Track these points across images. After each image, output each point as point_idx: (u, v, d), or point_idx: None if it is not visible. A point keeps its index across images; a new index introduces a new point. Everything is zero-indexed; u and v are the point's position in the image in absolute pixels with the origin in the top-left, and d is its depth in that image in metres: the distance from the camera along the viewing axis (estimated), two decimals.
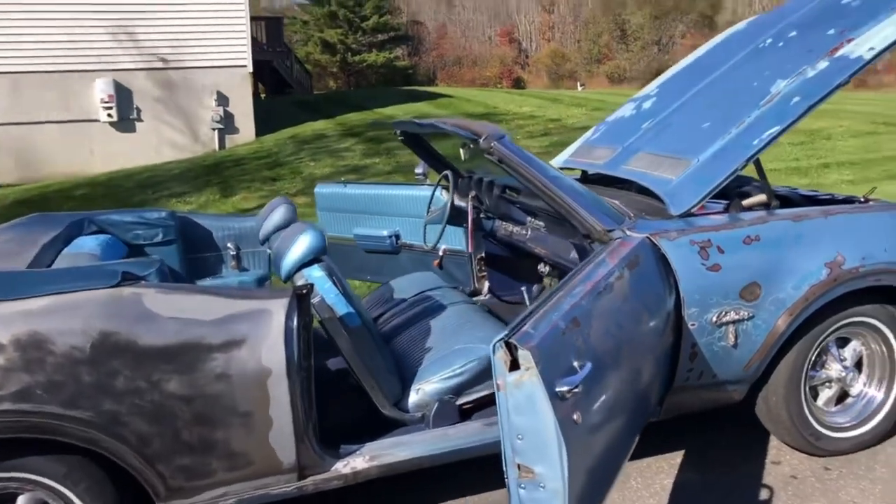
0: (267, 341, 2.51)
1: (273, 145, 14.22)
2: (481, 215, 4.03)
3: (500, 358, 1.94)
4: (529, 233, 3.65)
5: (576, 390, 1.95)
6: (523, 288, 4.07)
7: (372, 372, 2.87)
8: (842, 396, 3.25)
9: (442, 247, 4.35)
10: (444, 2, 59.53)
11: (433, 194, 4.16)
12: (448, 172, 3.93)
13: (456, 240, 4.39)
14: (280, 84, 25.55)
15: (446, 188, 4.22)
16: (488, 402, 3.00)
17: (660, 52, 40.80)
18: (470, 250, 3.86)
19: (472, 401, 2.99)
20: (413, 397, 2.94)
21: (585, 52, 45.58)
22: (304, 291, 2.60)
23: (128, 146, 14.18)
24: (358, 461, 2.72)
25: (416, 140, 4.17)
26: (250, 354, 2.49)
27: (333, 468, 2.69)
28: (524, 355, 1.88)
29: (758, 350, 2.89)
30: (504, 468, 2.00)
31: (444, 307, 3.46)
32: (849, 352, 3.18)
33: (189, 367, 2.44)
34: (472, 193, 3.93)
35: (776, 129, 2.98)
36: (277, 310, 2.53)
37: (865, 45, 3.07)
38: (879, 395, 3.19)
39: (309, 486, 2.68)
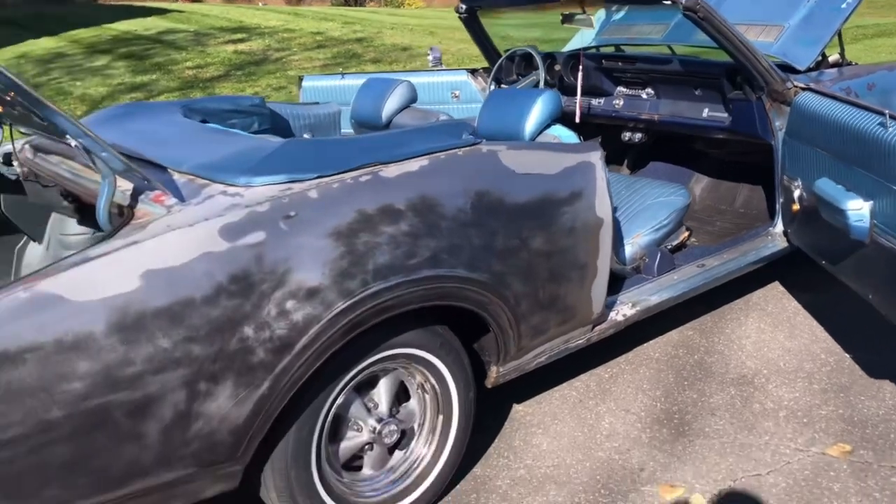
0: (597, 192, 2.54)
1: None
2: None
3: None
4: (622, 102, 3.89)
5: None
6: None
7: None
8: None
9: None
10: None
11: (493, 78, 4.16)
12: (529, 49, 3.99)
13: None
14: None
15: (486, 73, 4.27)
16: (678, 249, 3.32)
17: None
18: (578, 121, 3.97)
19: (673, 247, 3.27)
20: (628, 250, 3.12)
21: None
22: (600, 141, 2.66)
23: None
24: (625, 309, 2.87)
25: (477, 23, 4.13)
26: (587, 206, 2.51)
27: (609, 317, 2.82)
28: None
29: None
30: None
31: None
32: None
33: (548, 222, 2.41)
34: (557, 68, 4.04)
35: None
36: (597, 161, 2.57)
37: None
38: None
39: (593, 337, 2.78)
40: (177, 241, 1.81)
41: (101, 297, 1.69)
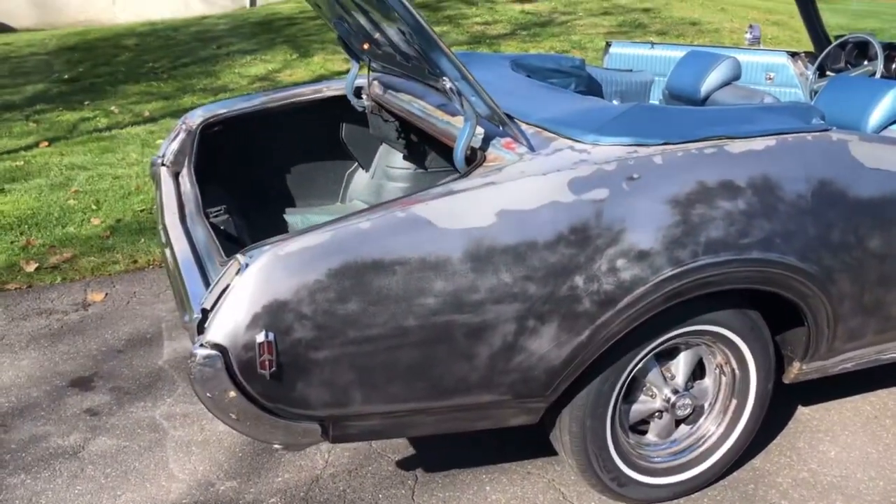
0: None
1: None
2: None
3: None
4: None
5: None
6: None
7: None
8: None
9: None
10: None
11: (818, 64, 3.91)
12: (867, 37, 3.71)
13: None
14: None
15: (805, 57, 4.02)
16: None
17: None
18: None
19: None
20: None
21: None
22: None
23: None
24: None
25: (812, 4, 3.91)
26: None
27: None
28: None
29: None
30: None
31: None
32: None
33: (889, 222, 2.26)
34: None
35: None
36: None
37: None
38: None
39: None
40: (530, 187, 1.94)
41: (461, 228, 1.86)
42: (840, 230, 2.19)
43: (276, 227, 3.18)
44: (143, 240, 4.21)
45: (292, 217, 3.30)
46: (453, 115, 2.44)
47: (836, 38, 3.99)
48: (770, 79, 4.28)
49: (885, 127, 2.66)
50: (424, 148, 3.25)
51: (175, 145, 2.93)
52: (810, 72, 4.07)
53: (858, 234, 2.22)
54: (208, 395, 1.80)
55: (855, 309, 2.30)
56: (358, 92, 3.16)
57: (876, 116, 2.63)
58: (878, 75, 3.58)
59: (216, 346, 1.74)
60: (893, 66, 3.75)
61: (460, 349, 1.90)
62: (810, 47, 4.24)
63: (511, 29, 12.12)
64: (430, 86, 2.38)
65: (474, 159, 2.10)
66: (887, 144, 2.31)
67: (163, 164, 2.91)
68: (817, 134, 2.20)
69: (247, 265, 1.77)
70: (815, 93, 3.80)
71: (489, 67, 2.99)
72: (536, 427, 2.21)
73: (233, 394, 1.80)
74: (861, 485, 2.46)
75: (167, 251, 2.41)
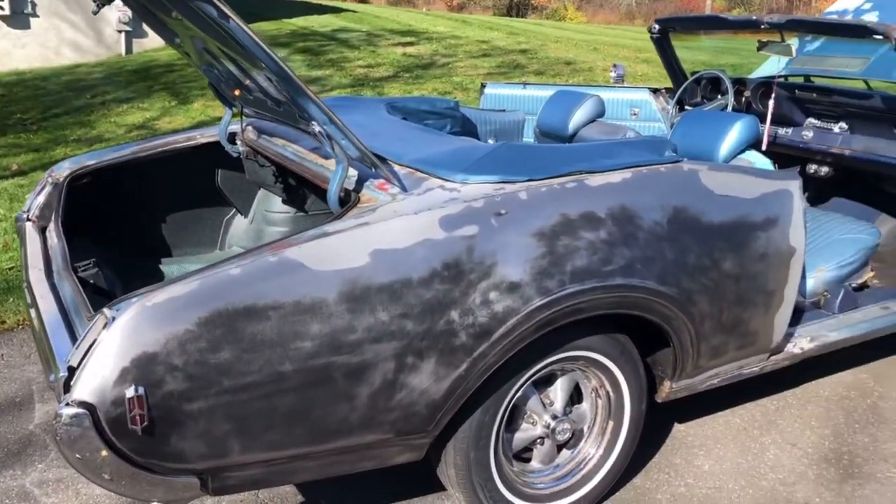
0: (792, 221, 2.53)
1: None
2: None
3: None
4: (812, 133, 3.81)
5: None
6: None
7: None
8: None
9: None
10: None
11: (676, 100, 4.17)
12: (718, 73, 3.98)
13: None
14: None
15: (669, 93, 4.29)
16: (860, 288, 3.22)
17: None
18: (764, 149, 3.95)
19: (856, 286, 3.18)
20: (810, 283, 3.07)
21: None
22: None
23: (21, 45, 12.55)
24: (803, 342, 2.83)
25: (668, 43, 4.16)
26: (782, 234, 2.51)
27: (786, 349, 2.79)
28: None
29: None
30: None
31: None
32: None
33: (740, 245, 2.43)
34: (746, 94, 4.01)
35: None
36: (795, 190, 2.56)
37: None
38: None
39: (767, 367, 2.76)
40: (402, 226, 1.98)
41: (335, 269, 1.88)
42: (695, 254, 2.33)
43: (153, 278, 3.09)
44: (11, 299, 4.00)
45: (168, 267, 3.22)
46: (326, 158, 2.46)
47: (693, 74, 4.26)
48: (635, 114, 4.53)
49: (734, 156, 2.86)
50: (302, 191, 3.26)
51: (41, 199, 2.83)
52: (671, 106, 4.33)
53: (713, 258, 2.37)
54: (77, 456, 1.73)
55: (715, 328, 2.44)
56: (232, 138, 3.15)
57: (725, 147, 2.83)
58: (729, 108, 3.85)
59: (83, 404, 1.69)
60: (743, 99, 4.04)
61: (340, 391, 1.91)
62: None
63: (394, 71, 12.28)
64: (302, 130, 2.41)
65: (348, 201, 2.13)
66: (735, 173, 2.49)
67: (28, 220, 2.80)
68: (670, 165, 2.36)
69: (113, 318, 1.72)
70: None
71: (365, 111, 3.04)
72: (423, 464, 2.22)
73: (104, 453, 1.74)
74: (733, 494, 2.59)
75: (32, 310, 2.31)
